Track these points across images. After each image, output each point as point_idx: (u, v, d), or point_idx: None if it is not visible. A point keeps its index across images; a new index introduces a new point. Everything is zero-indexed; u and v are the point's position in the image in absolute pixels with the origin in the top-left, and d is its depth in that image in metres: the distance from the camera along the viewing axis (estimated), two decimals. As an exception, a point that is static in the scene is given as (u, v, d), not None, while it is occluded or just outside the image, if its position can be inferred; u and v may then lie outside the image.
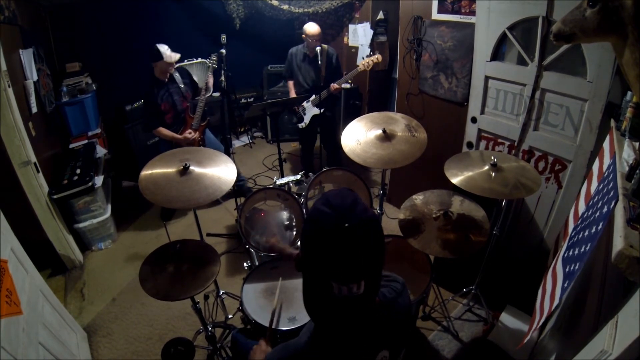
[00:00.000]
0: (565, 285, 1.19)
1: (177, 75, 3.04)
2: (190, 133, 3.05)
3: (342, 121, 3.92)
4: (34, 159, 2.45)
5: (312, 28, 3.12)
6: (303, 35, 3.19)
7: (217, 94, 3.73)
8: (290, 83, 3.51)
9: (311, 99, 3.29)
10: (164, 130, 2.99)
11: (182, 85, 3.05)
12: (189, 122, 3.07)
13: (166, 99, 2.98)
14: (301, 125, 3.44)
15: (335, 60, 3.36)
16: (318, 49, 3.12)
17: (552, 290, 1.34)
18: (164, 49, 2.85)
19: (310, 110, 3.34)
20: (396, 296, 0.87)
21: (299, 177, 2.74)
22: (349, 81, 3.61)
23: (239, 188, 3.54)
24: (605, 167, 1.42)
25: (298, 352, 0.81)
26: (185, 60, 3.80)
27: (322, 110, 3.25)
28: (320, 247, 0.69)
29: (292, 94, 3.49)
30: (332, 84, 3.17)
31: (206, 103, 3.05)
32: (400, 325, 0.88)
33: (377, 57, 3.04)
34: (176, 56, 2.94)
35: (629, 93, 1.37)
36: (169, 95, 2.99)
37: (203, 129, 3.18)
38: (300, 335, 0.83)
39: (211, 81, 3.06)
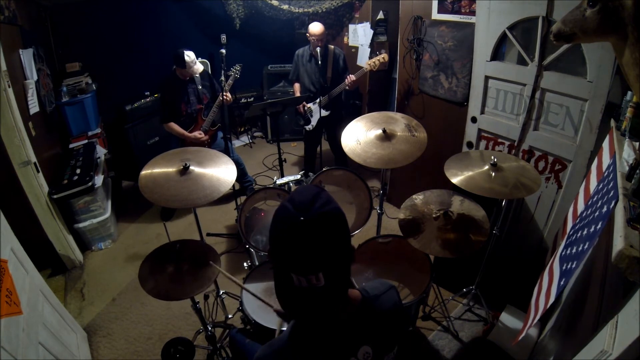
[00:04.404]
0: (562, 283, 1.19)
1: (197, 76, 3.04)
2: (200, 134, 3.08)
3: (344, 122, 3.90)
4: (34, 159, 2.45)
5: (313, 27, 3.10)
6: (307, 34, 3.18)
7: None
8: (296, 86, 3.46)
9: (317, 100, 3.27)
10: (174, 126, 3.02)
11: (199, 87, 3.06)
12: (200, 124, 3.10)
13: (182, 98, 3.00)
14: (308, 127, 3.43)
15: (342, 62, 3.31)
16: (318, 49, 3.11)
17: (548, 287, 1.34)
18: (189, 59, 2.84)
19: (317, 112, 3.32)
20: (379, 294, 0.89)
21: (299, 176, 2.74)
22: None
23: (244, 188, 3.54)
24: (604, 166, 1.41)
25: (280, 347, 0.83)
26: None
27: (329, 113, 3.25)
28: (279, 239, 0.72)
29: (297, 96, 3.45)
30: (349, 76, 3.11)
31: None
32: (384, 323, 0.89)
33: (384, 56, 3.00)
34: (199, 68, 2.96)
35: (629, 93, 1.37)
36: (186, 94, 3.01)
37: (212, 134, 3.19)
38: (284, 331, 0.86)
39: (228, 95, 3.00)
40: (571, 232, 1.42)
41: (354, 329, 0.83)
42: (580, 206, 1.54)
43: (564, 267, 1.24)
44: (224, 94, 2.89)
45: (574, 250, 1.20)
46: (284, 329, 1.49)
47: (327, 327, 0.80)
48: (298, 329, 0.83)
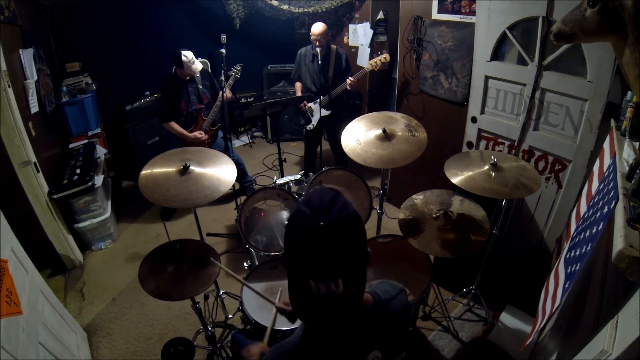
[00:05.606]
0: (566, 286, 1.19)
1: (197, 76, 3.05)
2: (200, 134, 3.08)
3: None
4: (34, 158, 2.45)
5: (314, 27, 3.11)
6: (310, 33, 3.19)
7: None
8: (297, 85, 3.46)
9: (318, 100, 3.27)
10: (174, 125, 3.03)
11: (200, 87, 3.07)
12: (200, 124, 3.11)
13: (182, 97, 3.01)
14: (309, 127, 3.43)
15: (345, 62, 3.32)
16: (318, 49, 3.11)
17: (554, 291, 1.34)
18: (187, 58, 2.86)
19: (317, 111, 3.32)
20: (390, 298, 0.87)
21: (299, 176, 2.74)
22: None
23: (244, 188, 3.54)
24: (605, 167, 1.41)
25: (290, 350, 0.82)
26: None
27: (330, 112, 3.24)
28: (297, 245, 0.69)
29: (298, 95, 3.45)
30: (348, 78, 3.12)
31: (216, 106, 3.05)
32: (395, 327, 0.88)
33: (385, 56, 3.00)
34: (198, 67, 2.97)
35: (629, 93, 1.37)
36: (186, 94, 3.02)
37: (213, 133, 3.20)
38: (294, 334, 0.84)
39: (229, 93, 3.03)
40: (574, 235, 1.42)
41: (365, 333, 0.81)
42: (583, 208, 1.54)
43: (568, 270, 1.24)
44: (225, 91, 2.89)
45: (577, 253, 1.20)
46: (282, 328, 1.50)
47: (339, 332, 0.78)
48: (309, 332, 0.81)
